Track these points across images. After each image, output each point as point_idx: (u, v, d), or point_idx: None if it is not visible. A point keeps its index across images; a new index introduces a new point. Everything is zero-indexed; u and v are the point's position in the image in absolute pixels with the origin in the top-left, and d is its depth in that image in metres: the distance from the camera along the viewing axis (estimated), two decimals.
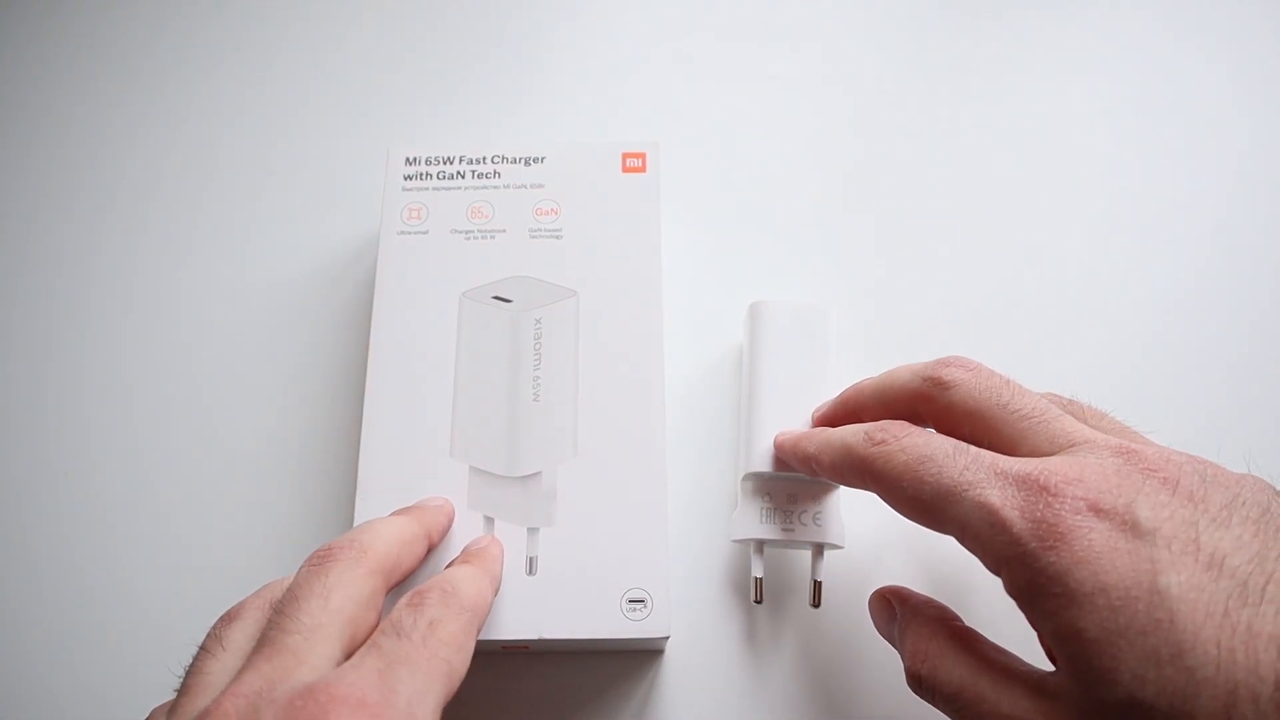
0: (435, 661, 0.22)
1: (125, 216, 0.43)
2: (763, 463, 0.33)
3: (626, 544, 0.31)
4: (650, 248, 0.36)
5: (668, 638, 0.31)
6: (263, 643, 0.23)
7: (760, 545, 0.33)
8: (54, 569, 0.36)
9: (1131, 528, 0.22)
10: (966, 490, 0.24)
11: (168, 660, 0.34)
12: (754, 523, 0.33)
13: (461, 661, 0.24)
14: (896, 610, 0.29)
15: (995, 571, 0.24)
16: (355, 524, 0.31)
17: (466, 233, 0.36)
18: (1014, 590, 0.23)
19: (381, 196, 0.37)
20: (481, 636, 0.30)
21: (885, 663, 0.34)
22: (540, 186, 0.37)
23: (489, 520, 0.32)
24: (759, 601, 0.33)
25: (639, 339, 0.34)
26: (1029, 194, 0.43)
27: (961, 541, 0.25)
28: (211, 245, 0.42)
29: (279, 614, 0.23)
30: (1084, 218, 0.42)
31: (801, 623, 0.34)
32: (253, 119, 0.45)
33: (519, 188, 0.37)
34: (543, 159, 0.37)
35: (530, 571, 0.31)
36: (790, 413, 0.34)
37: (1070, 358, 0.39)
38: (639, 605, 0.30)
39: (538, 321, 0.34)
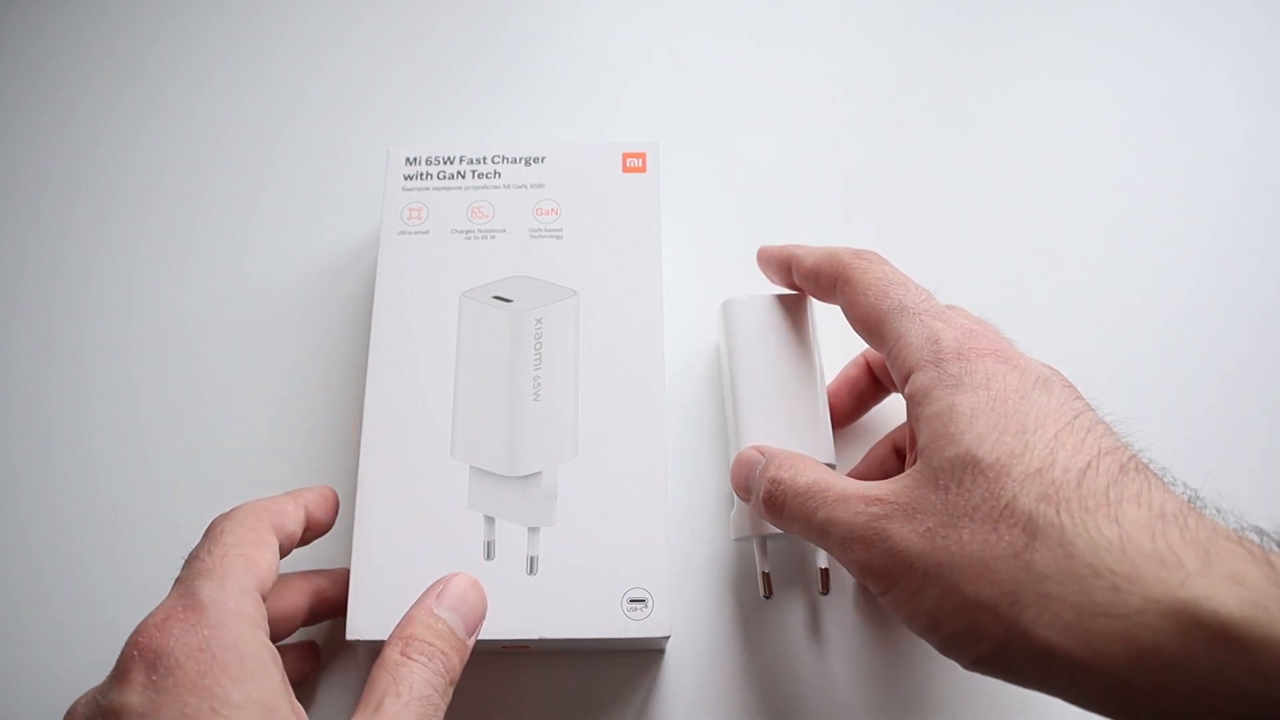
0: (228, 561, 0.25)
1: (125, 216, 0.43)
2: None
3: (627, 543, 0.31)
4: (650, 248, 0.36)
5: (668, 637, 0.31)
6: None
7: (763, 541, 0.33)
8: (54, 569, 0.36)
9: (1021, 369, 0.27)
10: (923, 315, 0.29)
11: None
12: (754, 519, 0.33)
13: (260, 550, 0.26)
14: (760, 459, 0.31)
15: (907, 374, 0.28)
16: (356, 524, 0.31)
17: (467, 232, 0.36)
18: (919, 384, 0.27)
19: (382, 196, 0.37)
20: (484, 636, 0.30)
21: (894, 649, 0.34)
22: (540, 186, 0.37)
23: (489, 519, 0.32)
24: (769, 596, 0.33)
25: (639, 338, 0.34)
26: (1028, 194, 0.43)
27: (892, 350, 0.29)
28: (211, 245, 0.42)
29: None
30: (1083, 217, 0.42)
31: (803, 615, 0.35)
32: (252, 119, 0.45)
33: (519, 187, 0.37)
34: (543, 159, 0.37)
35: (531, 571, 0.31)
36: (776, 406, 0.34)
37: (1069, 357, 0.39)
38: (640, 605, 0.30)
39: (538, 321, 0.34)
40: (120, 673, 0.23)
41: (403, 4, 0.48)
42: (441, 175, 0.37)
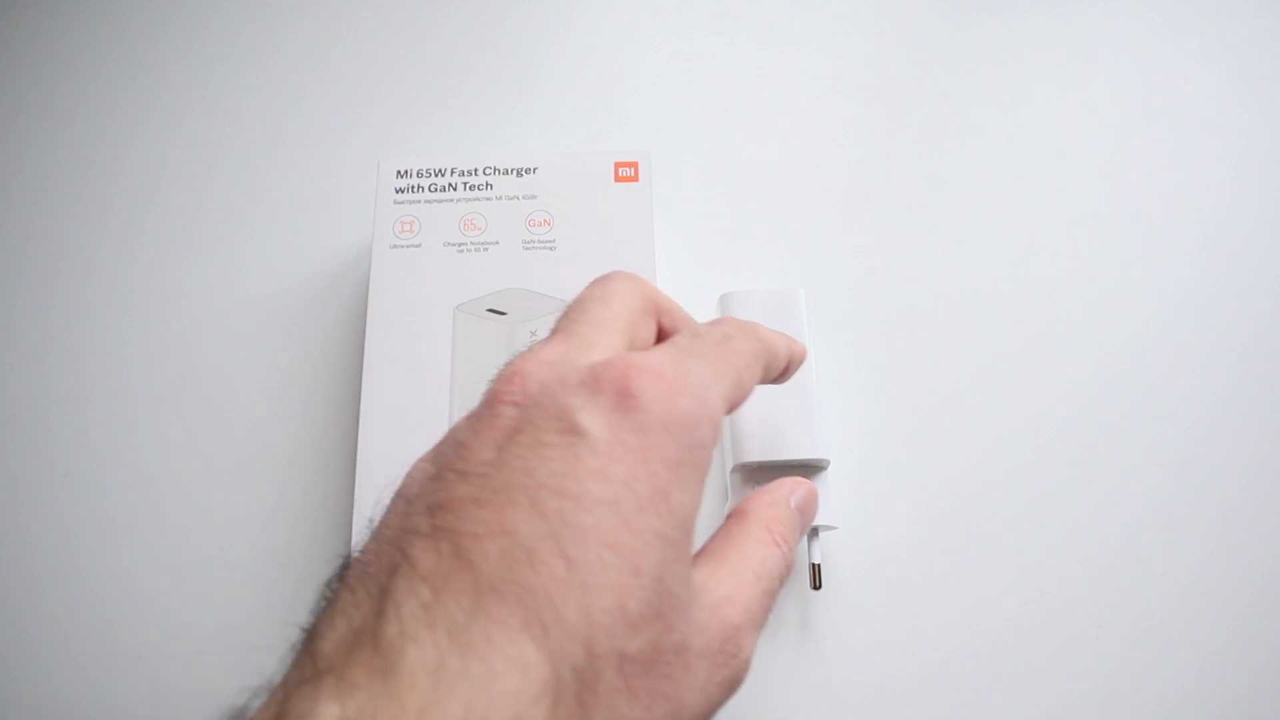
0: (727, 362, 0.23)
1: (122, 224, 0.43)
2: (750, 453, 0.33)
3: None
4: (644, 257, 0.36)
5: None
6: (554, 331, 0.24)
7: None
8: (54, 569, 0.37)
9: None
10: None
11: (168, 658, 0.35)
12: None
13: (750, 378, 0.24)
14: None
15: None
16: (354, 533, 0.31)
17: (459, 245, 0.36)
18: None
19: (373, 211, 0.37)
20: None
21: (891, 643, 0.35)
22: (533, 197, 0.37)
23: None
24: None
25: None
26: (1028, 193, 0.43)
27: None
28: (207, 257, 0.42)
29: (566, 314, 0.25)
30: (1083, 217, 0.42)
31: (795, 610, 0.35)
32: (244, 132, 0.45)
33: (511, 199, 0.36)
34: (534, 170, 0.37)
35: None
36: (772, 400, 0.34)
37: (1068, 357, 0.40)
38: None
39: (533, 334, 0.34)
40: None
41: (392, 16, 0.48)
42: (433, 188, 0.37)
